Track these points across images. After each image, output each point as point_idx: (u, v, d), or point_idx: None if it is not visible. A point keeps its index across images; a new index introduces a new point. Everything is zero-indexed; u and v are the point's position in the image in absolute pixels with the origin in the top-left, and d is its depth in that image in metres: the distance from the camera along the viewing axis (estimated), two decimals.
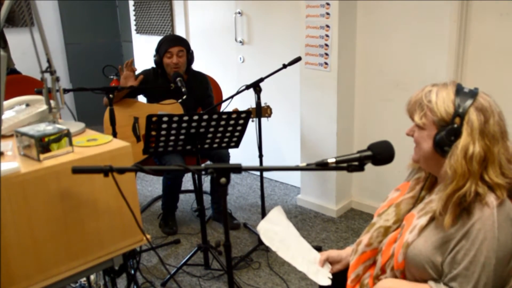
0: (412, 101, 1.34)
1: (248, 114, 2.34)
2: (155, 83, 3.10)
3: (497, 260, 1.19)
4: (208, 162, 3.38)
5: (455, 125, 1.23)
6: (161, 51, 3.02)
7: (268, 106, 2.83)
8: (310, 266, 1.56)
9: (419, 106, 1.31)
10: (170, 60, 3.00)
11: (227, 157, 3.13)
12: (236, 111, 2.34)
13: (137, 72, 3.05)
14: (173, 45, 3.01)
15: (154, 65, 3.12)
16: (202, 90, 3.18)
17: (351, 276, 1.47)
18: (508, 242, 1.21)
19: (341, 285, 1.56)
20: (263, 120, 2.78)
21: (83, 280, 2.20)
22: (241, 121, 2.34)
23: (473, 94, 1.26)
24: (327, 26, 2.97)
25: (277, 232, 1.61)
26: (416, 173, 1.49)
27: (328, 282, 1.53)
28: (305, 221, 3.27)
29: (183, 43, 3.06)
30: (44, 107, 1.78)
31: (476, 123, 1.22)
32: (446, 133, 1.24)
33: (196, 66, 3.32)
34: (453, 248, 1.23)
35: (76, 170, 1.30)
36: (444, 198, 1.24)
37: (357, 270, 1.45)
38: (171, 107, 2.97)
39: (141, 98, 3.38)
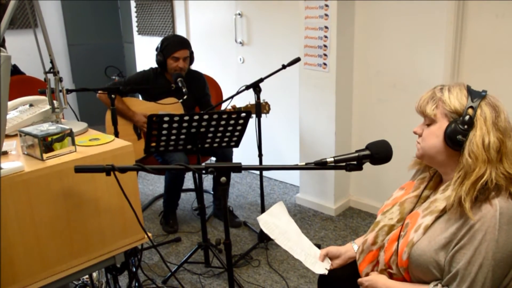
0: (423, 97, 1.36)
1: (248, 114, 2.36)
2: (156, 83, 3.13)
3: (495, 261, 1.20)
4: (213, 159, 3.42)
5: (468, 116, 1.25)
6: (166, 53, 3.04)
7: (266, 103, 2.84)
8: (308, 258, 1.58)
9: (431, 99, 1.32)
10: (176, 64, 3.03)
11: (231, 155, 3.17)
12: (236, 111, 2.36)
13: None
14: (180, 48, 3.03)
15: (154, 64, 3.15)
16: (200, 89, 3.22)
17: (362, 275, 1.48)
18: (508, 245, 1.20)
19: (341, 281, 1.58)
20: (263, 119, 2.79)
21: (85, 277, 2.22)
22: (241, 121, 2.36)
23: (483, 93, 1.30)
24: (326, 27, 3.00)
25: (278, 226, 1.62)
26: (422, 173, 1.49)
27: (325, 272, 1.55)
28: (304, 219, 3.29)
29: (188, 46, 3.10)
30: (47, 107, 1.81)
31: (489, 115, 1.25)
32: (460, 122, 1.25)
33: (196, 67, 3.34)
34: (454, 246, 1.24)
35: (79, 169, 1.32)
36: (468, 185, 1.23)
37: (365, 269, 1.47)
38: (172, 106, 2.99)
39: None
